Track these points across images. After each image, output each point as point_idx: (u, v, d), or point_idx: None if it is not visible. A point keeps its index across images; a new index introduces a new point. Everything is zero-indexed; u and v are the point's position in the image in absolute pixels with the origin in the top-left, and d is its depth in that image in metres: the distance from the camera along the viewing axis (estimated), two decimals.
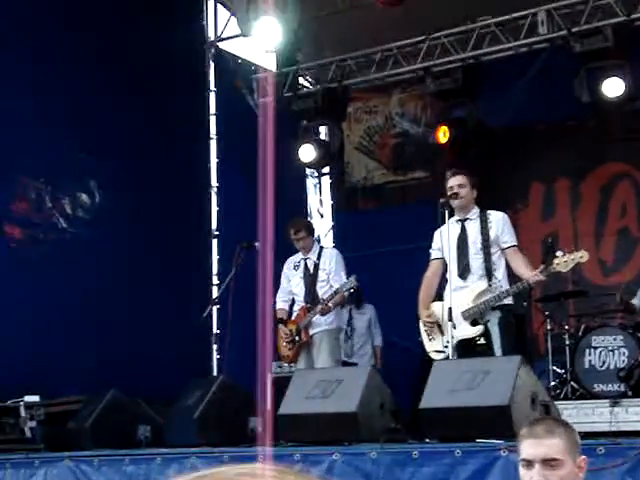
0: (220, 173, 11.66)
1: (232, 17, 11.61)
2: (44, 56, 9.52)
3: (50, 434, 7.83)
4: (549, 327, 8.99)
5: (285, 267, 8.57)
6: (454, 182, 7.08)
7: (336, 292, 8.14)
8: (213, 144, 11.69)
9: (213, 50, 11.93)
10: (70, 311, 9.33)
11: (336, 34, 11.34)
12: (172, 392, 7.82)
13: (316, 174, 13.19)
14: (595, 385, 8.16)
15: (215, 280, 11.29)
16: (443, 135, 10.23)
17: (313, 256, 8.47)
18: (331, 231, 13.10)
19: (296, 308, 8.46)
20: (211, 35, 11.98)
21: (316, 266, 8.41)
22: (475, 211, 7.14)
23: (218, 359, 10.73)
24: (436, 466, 5.51)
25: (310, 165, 11.42)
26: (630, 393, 7.65)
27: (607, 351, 8.25)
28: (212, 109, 11.79)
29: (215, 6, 12.05)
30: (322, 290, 8.31)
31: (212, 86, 11.85)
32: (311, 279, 8.38)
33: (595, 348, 8.32)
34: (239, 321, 8.30)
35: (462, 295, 6.95)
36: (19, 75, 9.35)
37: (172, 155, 10.71)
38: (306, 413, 6.36)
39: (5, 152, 9.16)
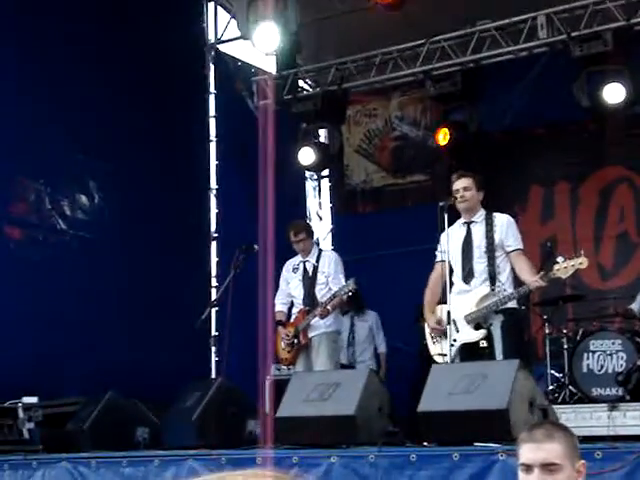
0: (219, 175, 11.67)
1: (232, 19, 11.63)
2: (45, 58, 9.52)
3: (48, 435, 7.83)
4: (547, 331, 8.99)
5: (284, 270, 8.57)
6: (459, 185, 7.06)
7: (335, 295, 8.14)
8: (213, 146, 11.70)
9: (213, 52, 11.94)
10: (69, 313, 9.33)
11: (336, 37, 11.36)
12: (170, 394, 7.81)
13: (315, 177, 13.20)
14: (593, 389, 8.16)
15: (214, 282, 11.30)
16: (443, 137, 10.24)
17: (312, 259, 8.47)
18: (330, 234, 13.11)
19: (295, 311, 8.47)
20: (211, 37, 11.99)
21: (315, 269, 8.41)
22: (481, 214, 7.11)
23: (216, 361, 10.73)
24: (434, 469, 5.51)
25: (309, 168, 11.43)
26: (628, 397, 7.65)
27: (605, 355, 8.26)
28: (212, 111, 11.80)
29: (215, 8, 12.06)
30: (321, 293, 8.31)
31: (212, 88, 11.86)
32: (310, 282, 8.38)
33: (593, 352, 8.32)
34: (238, 323, 8.32)
35: (465, 299, 6.95)
36: (19, 76, 9.35)
37: (172, 157, 10.72)
38: (304, 416, 6.36)
39: (4, 153, 9.17)
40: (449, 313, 6.94)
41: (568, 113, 10.29)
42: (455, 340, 6.94)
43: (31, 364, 8.71)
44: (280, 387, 7.74)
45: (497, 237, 6.96)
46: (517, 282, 6.96)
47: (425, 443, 6.01)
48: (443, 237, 7.17)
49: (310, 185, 13.29)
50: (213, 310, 9.84)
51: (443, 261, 7.18)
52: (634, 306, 8.95)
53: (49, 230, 9.68)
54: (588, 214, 11.03)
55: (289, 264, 8.56)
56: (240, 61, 12.04)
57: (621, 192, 10.89)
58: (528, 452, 3.15)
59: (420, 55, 10.32)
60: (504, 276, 6.92)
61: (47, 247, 9.57)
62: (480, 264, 6.95)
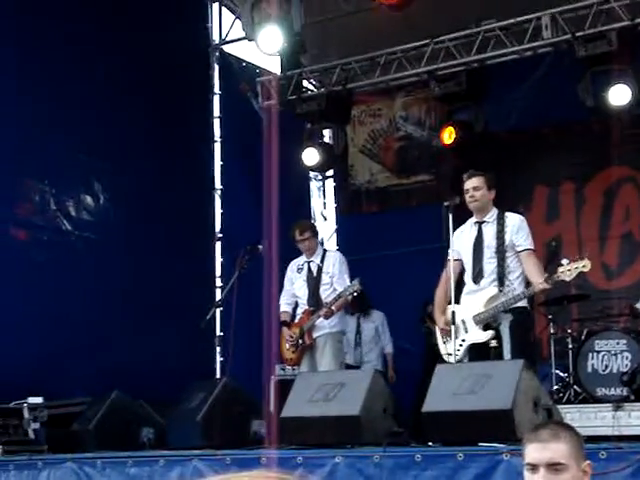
0: (224, 176, 11.68)
1: (237, 20, 11.64)
2: (50, 59, 9.54)
3: (53, 436, 7.86)
4: (552, 331, 8.99)
5: (288, 270, 8.57)
6: (469, 185, 7.04)
7: (340, 295, 8.13)
8: (217, 147, 11.72)
9: (217, 53, 11.96)
10: (74, 313, 9.35)
11: (340, 37, 11.36)
12: (175, 394, 7.83)
13: (320, 177, 13.21)
14: (598, 389, 8.17)
15: (219, 282, 11.31)
16: (448, 136, 10.22)
17: (317, 259, 8.47)
18: (335, 234, 13.11)
19: (299, 311, 8.46)
20: (216, 38, 12.00)
21: (319, 269, 8.40)
22: (492, 213, 7.08)
23: (221, 361, 10.74)
24: (439, 469, 5.51)
25: (314, 168, 11.43)
26: (633, 397, 7.65)
27: (610, 355, 8.26)
28: (216, 112, 11.82)
29: (220, 9, 12.08)
30: (325, 293, 8.30)
31: (217, 89, 11.88)
32: (314, 282, 8.38)
33: (598, 352, 8.33)
34: (243, 324, 8.32)
35: (475, 299, 6.94)
36: (24, 77, 9.37)
37: (176, 157, 10.74)
38: (309, 416, 6.36)
39: (9, 154, 9.19)
40: (453, 313, 6.94)
41: (573, 113, 10.28)
42: (464, 340, 6.94)
43: (36, 364, 8.73)
44: (285, 387, 7.74)
45: (508, 237, 6.94)
46: (528, 282, 6.94)
47: (430, 443, 6.01)
48: (455, 236, 7.16)
49: (314, 185, 13.30)
50: (218, 310, 9.83)
51: (455, 260, 7.16)
52: (638, 306, 8.95)
53: (54, 231, 9.69)
54: (593, 214, 11.03)
55: (293, 264, 8.56)
56: (245, 62, 12.05)
57: (626, 192, 10.89)
58: (534, 452, 3.15)
59: (424, 55, 10.32)
60: (514, 276, 6.90)
61: (52, 248, 9.59)
62: (490, 264, 6.94)
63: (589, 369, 8.32)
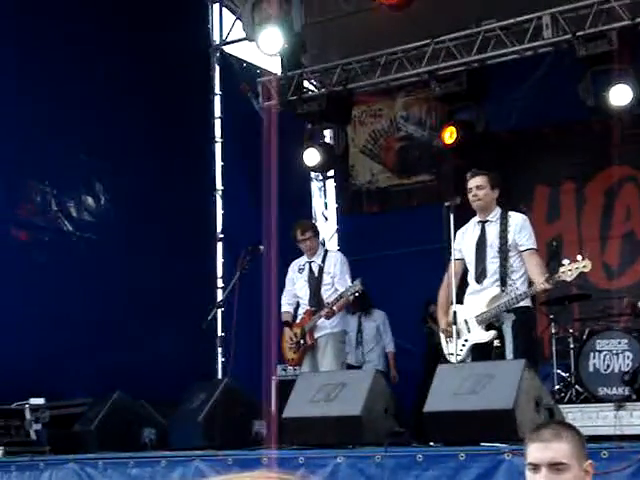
0: (225, 176, 11.69)
1: (237, 20, 11.64)
2: (50, 59, 9.54)
3: (55, 436, 7.86)
4: (553, 331, 8.99)
5: (290, 270, 8.57)
6: (473, 183, 7.03)
7: (341, 296, 8.13)
8: (218, 147, 11.72)
9: (218, 53, 11.97)
10: (75, 314, 9.35)
11: (341, 37, 11.36)
12: (176, 395, 7.83)
13: (321, 177, 13.21)
14: (599, 389, 8.17)
15: (220, 283, 11.31)
16: (450, 136, 10.21)
17: (318, 259, 8.46)
18: (336, 234, 13.11)
19: (301, 311, 8.47)
20: (216, 38, 12.01)
21: (321, 269, 8.40)
22: (495, 213, 7.07)
23: (223, 362, 10.74)
24: (440, 469, 5.51)
25: (314, 169, 11.43)
26: (634, 397, 7.65)
27: (611, 354, 8.26)
28: (217, 112, 11.82)
29: (220, 10, 12.09)
30: (327, 293, 8.30)
31: (217, 89, 11.89)
32: (316, 282, 8.38)
33: (599, 352, 8.33)
34: (244, 324, 8.32)
35: (477, 299, 6.93)
36: (25, 77, 9.37)
37: (177, 158, 10.74)
38: (310, 416, 6.36)
39: (11, 155, 9.20)
40: (455, 313, 6.94)
41: (573, 113, 10.28)
42: (467, 340, 6.94)
43: (38, 365, 8.73)
44: (286, 388, 7.75)
45: (511, 237, 6.92)
46: (531, 281, 6.93)
47: (431, 443, 6.01)
48: (458, 235, 7.15)
49: (315, 186, 13.30)
50: (219, 311, 9.83)
51: (458, 259, 7.16)
52: None
53: (55, 232, 9.70)
54: (594, 214, 11.02)
55: (295, 264, 8.56)
56: (245, 62, 12.06)
57: (627, 191, 10.88)
58: (536, 451, 3.14)
59: (425, 55, 10.32)
60: (517, 275, 6.88)
61: (53, 249, 9.60)
62: (493, 264, 6.93)
63: (591, 369, 8.32)
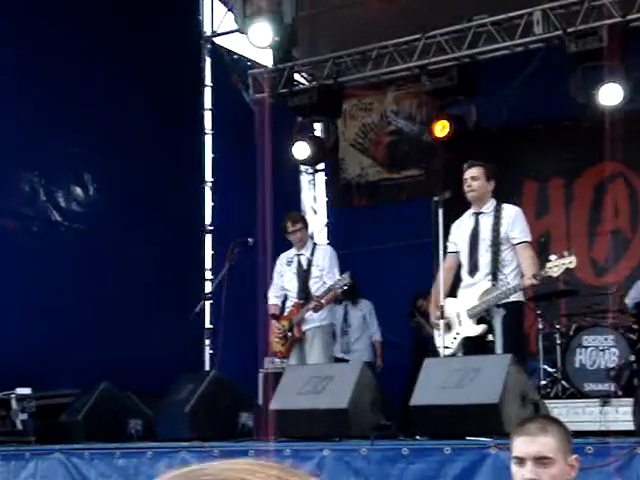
0: (215, 168, 11.67)
1: (229, 12, 11.61)
2: (40, 50, 9.51)
3: (41, 427, 7.84)
4: (540, 326, 9.01)
5: (278, 263, 8.57)
6: (468, 174, 7.03)
7: (330, 289, 8.14)
8: (208, 139, 11.70)
9: (209, 45, 11.93)
10: (62, 304, 9.33)
11: (332, 31, 11.35)
12: (164, 386, 7.83)
13: (311, 171, 13.20)
14: (585, 384, 8.20)
15: (208, 275, 11.31)
16: (441, 129, 10.18)
17: (307, 252, 8.46)
18: (325, 228, 13.11)
19: (289, 304, 8.47)
20: (207, 30, 11.98)
21: (309, 262, 8.40)
22: (490, 205, 7.07)
23: (210, 354, 10.74)
24: (426, 463, 5.53)
25: (304, 162, 11.42)
26: (620, 393, 7.69)
27: (598, 351, 8.29)
28: (208, 104, 11.80)
29: (212, 1, 12.05)
30: (315, 287, 8.31)
31: (208, 81, 11.86)
32: (304, 275, 8.38)
33: (586, 347, 8.36)
34: (232, 316, 8.33)
35: (469, 293, 6.94)
36: (13, 68, 9.34)
37: (167, 149, 10.72)
38: (297, 409, 6.37)
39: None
40: (442, 307, 6.96)
41: (564, 109, 10.30)
42: (458, 334, 6.95)
43: (25, 355, 8.72)
44: (274, 380, 7.75)
45: (503, 230, 6.92)
46: (523, 275, 6.94)
47: (417, 437, 6.03)
48: (453, 228, 7.16)
49: (305, 179, 13.29)
50: (207, 303, 9.85)
51: (453, 252, 7.16)
52: (627, 302, 9.00)
53: (44, 222, 9.68)
54: (582, 210, 11.04)
55: (283, 257, 8.55)
56: (236, 54, 12.03)
57: (616, 188, 10.90)
58: (522, 445, 3.16)
59: (416, 50, 10.32)
60: (509, 269, 6.89)
61: (42, 239, 9.57)
62: (485, 257, 6.94)
63: (577, 364, 8.35)
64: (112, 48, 10.14)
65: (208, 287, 10.95)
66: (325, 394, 6.27)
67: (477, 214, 7.08)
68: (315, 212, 13.18)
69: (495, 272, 6.87)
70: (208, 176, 11.63)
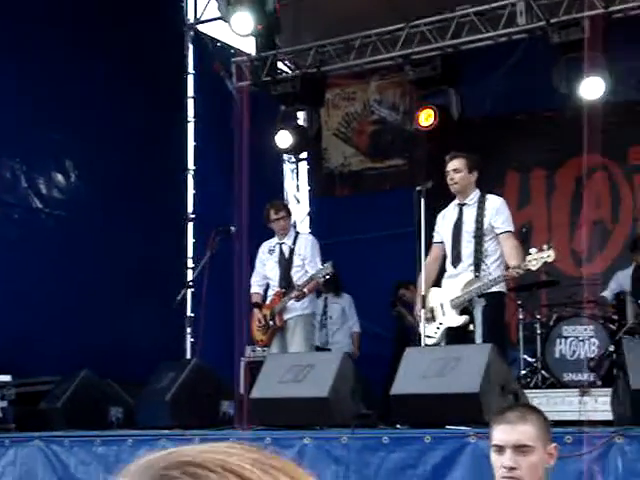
0: (197, 156, 11.63)
1: (212, 0, 11.56)
2: (22, 37, 9.44)
3: (21, 414, 7.82)
4: (521, 316, 9.05)
5: (260, 251, 8.57)
6: (450, 167, 7.06)
7: (312, 278, 8.15)
8: (191, 127, 11.66)
9: (192, 32, 11.88)
10: (43, 291, 9.30)
11: (315, 19, 11.31)
12: (145, 374, 7.82)
13: (293, 159, 13.18)
14: (565, 374, 8.24)
15: (190, 263, 11.28)
16: (425, 118, 10.14)
17: (289, 241, 8.47)
18: (308, 217, 13.11)
19: (271, 293, 8.48)
20: (190, 17, 11.92)
21: (291, 251, 8.41)
22: (473, 196, 7.09)
23: (192, 342, 10.73)
24: (406, 452, 5.55)
25: (287, 151, 11.39)
26: (599, 383, 7.74)
27: (578, 341, 8.33)
28: (190, 92, 11.75)
29: None
30: (297, 275, 8.32)
31: (191, 69, 11.81)
32: (286, 264, 8.39)
33: (566, 338, 8.40)
34: (213, 305, 8.32)
35: (453, 283, 6.97)
36: None
37: (149, 137, 10.67)
38: (278, 397, 6.38)
39: None
40: (424, 298, 6.98)
41: (546, 100, 10.32)
42: (441, 324, 6.98)
43: (5, 342, 8.67)
44: (255, 368, 7.76)
45: (487, 221, 6.95)
46: (507, 265, 6.97)
47: (397, 425, 6.05)
48: (438, 218, 7.18)
49: (288, 168, 13.27)
50: (189, 291, 9.84)
51: (438, 243, 7.18)
52: (606, 293, 9.05)
53: (25, 209, 9.63)
54: (564, 200, 11.08)
55: (265, 246, 8.55)
56: (219, 42, 11.98)
57: (597, 179, 10.93)
58: (501, 433, 3.18)
59: (400, 39, 10.30)
60: (491, 260, 6.92)
61: (23, 226, 9.53)
62: (468, 248, 6.97)
63: (557, 354, 8.40)
64: (93, 36, 10.07)
65: (190, 275, 10.93)
66: (306, 383, 6.28)
67: (461, 205, 7.10)
68: (298, 201, 13.16)
69: (478, 263, 6.90)
70: (190, 164, 11.59)
